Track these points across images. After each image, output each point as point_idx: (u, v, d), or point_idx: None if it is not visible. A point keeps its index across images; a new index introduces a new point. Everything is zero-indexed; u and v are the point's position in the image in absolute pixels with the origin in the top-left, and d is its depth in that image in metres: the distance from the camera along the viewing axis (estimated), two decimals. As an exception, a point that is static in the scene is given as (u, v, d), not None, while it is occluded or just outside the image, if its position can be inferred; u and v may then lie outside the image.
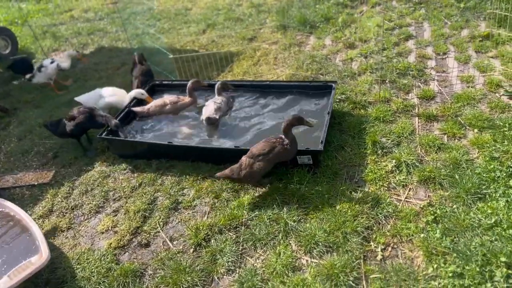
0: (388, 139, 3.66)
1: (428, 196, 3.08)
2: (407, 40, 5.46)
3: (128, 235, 3.23)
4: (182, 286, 2.75)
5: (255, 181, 3.31)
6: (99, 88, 4.82)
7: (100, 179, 3.90)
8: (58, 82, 5.94)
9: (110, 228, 3.36)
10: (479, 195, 2.92)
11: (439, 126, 3.77)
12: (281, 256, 2.81)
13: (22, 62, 6.07)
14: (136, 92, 4.59)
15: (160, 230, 3.24)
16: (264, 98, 4.47)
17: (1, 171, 4.34)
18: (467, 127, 3.67)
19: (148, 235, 3.22)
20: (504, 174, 3.04)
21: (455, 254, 2.56)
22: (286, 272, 2.70)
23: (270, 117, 4.15)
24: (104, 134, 3.99)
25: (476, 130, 3.59)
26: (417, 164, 3.33)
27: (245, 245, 2.97)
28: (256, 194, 3.36)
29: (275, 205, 3.20)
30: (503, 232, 2.61)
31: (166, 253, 3.02)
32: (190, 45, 6.59)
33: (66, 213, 3.62)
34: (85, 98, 4.71)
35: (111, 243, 3.19)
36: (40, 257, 2.85)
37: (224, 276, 2.80)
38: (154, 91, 4.93)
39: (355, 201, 3.08)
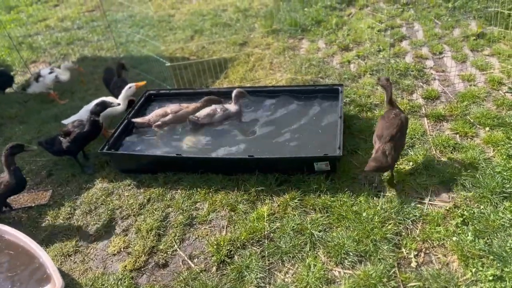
0: (402, 141, 3.61)
1: (452, 197, 3.04)
2: (401, 41, 5.48)
3: (143, 255, 3.03)
4: (211, 307, 2.60)
5: (395, 162, 3.15)
6: (86, 105, 4.51)
7: (103, 196, 3.68)
8: (51, 95, 5.59)
9: (122, 249, 3.15)
10: (505, 194, 2.91)
11: (449, 126, 3.76)
12: (311, 269, 2.70)
13: (0, 75, 5.67)
14: (126, 91, 4.35)
15: (178, 248, 3.06)
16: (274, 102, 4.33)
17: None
18: (478, 125, 3.68)
19: (165, 255, 3.03)
20: (525, 172, 3.04)
21: (491, 257, 2.52)
22: (320, 286, 2.59)
23: (283, 123, 4.01)
24: (105, 148, 3.77)
25: (487, 129, 3.60)
26: (435, 165, 3.30)
27: (271, 259, 2.84)
28: (275, 205, 3.24)
29: (296, 215, 3.09)
30: (536, 231, 2.60)
31: (188, 272, 2.84)
32: (180, 52, 6.40)
33: (70, 235, 3.37)
34: (75, 119, 4.35)
35: (126, 266, 2.98)
36: (53, 287, 2.62)
37: (254, 294, 2.66)
38: (151, 100, 4.73)
39: (380, 207, 3.01)
